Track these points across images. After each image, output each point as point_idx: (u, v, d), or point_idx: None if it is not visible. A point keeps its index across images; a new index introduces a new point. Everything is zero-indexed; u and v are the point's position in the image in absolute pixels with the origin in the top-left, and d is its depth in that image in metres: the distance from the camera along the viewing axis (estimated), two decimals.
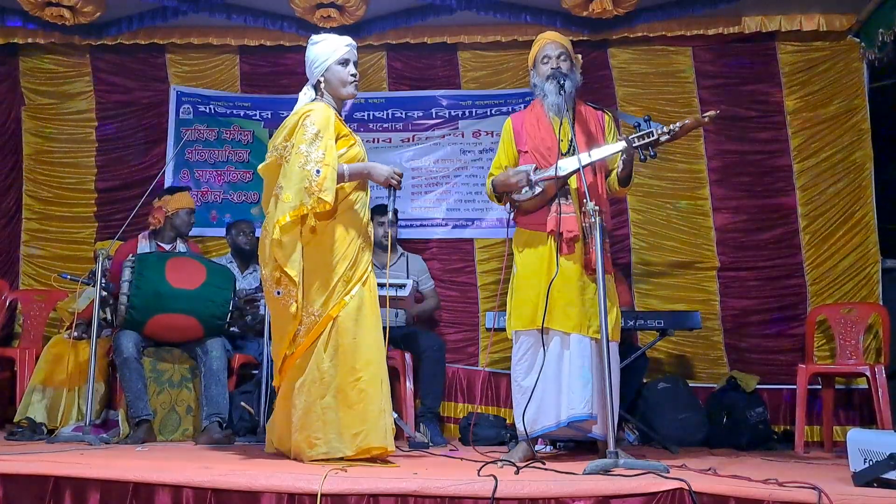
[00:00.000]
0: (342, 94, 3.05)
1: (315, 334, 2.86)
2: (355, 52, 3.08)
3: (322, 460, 2.76)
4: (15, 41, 5.16)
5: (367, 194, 3.08)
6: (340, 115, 3.08)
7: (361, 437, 2.80)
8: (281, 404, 2.99)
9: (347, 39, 3.08)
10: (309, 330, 2.87)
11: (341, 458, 2.76)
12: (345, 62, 3.03)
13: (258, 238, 4.73)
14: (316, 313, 2.87)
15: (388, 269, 4.05)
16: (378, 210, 4.36)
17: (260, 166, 3.04)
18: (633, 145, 2.94)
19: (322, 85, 3.03)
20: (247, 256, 4.61)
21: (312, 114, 2.90)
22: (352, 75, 3.03)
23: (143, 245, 4.26)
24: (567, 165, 3.01)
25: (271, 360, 3.88)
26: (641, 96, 5.13)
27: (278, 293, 2.87)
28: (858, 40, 4.89)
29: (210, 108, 5.35)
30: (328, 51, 3.02)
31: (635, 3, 4.61)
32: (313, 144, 2.84)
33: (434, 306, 4.67)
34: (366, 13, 4.81)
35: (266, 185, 3.03)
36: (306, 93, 3.08)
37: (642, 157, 2.95)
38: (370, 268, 3.02)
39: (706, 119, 2.96)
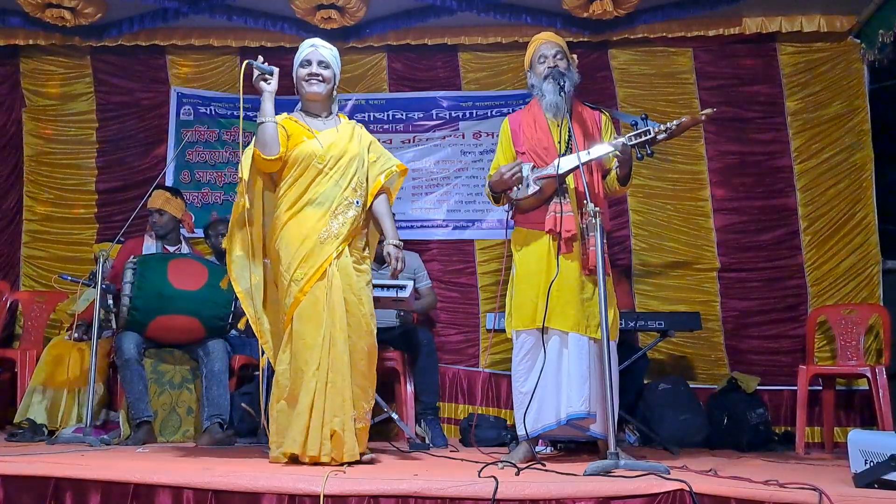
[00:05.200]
0: (304, 94, 3.11)
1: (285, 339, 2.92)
2: (319, 51, 3.09)
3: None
4: (16, 42, 5.17)
5: (336, 187, 2.97)
6: (314, 115, 3.12)
7: (283, 439, 2.80)
8: None
9: (313, 40, 3.13)
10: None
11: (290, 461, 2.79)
12: (306, 63, 3.08)
13: None
14: (282, 319, 2.92)
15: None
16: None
17: None
18: (630, 144, 2.94)
19: (296, 90, 3.13)
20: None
21: None
22: (308, 74, 3.06)
23: (149, 245, 4.26)
24: (565, 164, 3.01)
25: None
26: (642, 97, 5.13)
27: None
28: (859, 41, 4.90)
29: (211, 110, 5.36)
30: (296, 57, 3.11)
31: (635, 4, 4.62)
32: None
33: (431, 304, 4.66)
34: (366, 14, 4.82)
35: None
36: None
37: (639, 155, 2.95)
38: (332, 261, 2.88)
39: (703, 117, 2.97)
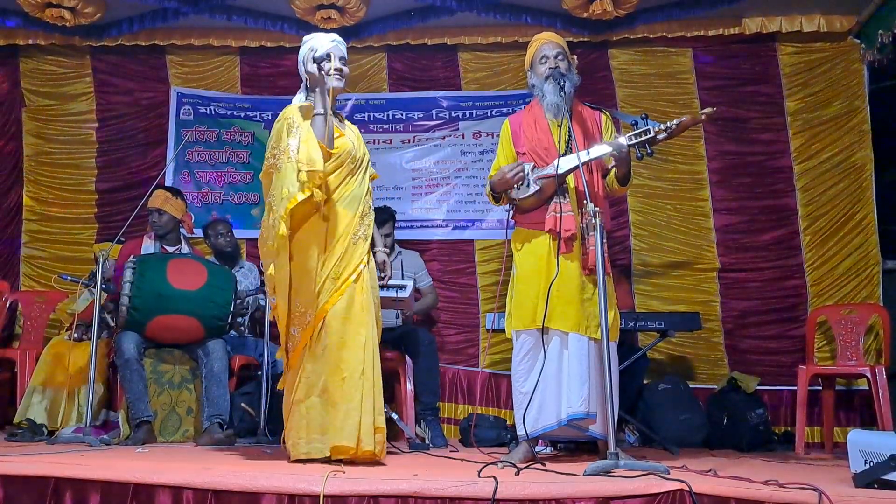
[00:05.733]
0: (325, 90, 3.00)
1: (307, 334, 2.85)
2: (341, 47, 3.05)
3: (304, 460, 2.76)
4: (16, 42, 5.18)
5: (361, 187, 3.01)
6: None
7: (331, 434, 2.76)
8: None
9: (333, 36, 3.06)
10: (303, 330, 2.87)
11: (326, 459, 2.76)
12: (327, 57, 2.99)
13: (237, 238, 4.71)
14: (308, 314, 2.86)
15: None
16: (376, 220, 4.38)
17: (261, 175, 3.04)
18: (629, 143, 2.94)
19: (308, 85, 3.04)
20: (227, 257, 4.59)
21: (287, 114, 2.94)
22: (333, 69, 2.97)
23: (148, 245, 4.26)
24: (565, 164, 3.02)
25: (271, 361, 3.90)
26: (642, 97, 5.14)
27: (273, 300, 2.88)
28: (858, 41, 4.90)
29: (210, 110, 5.36)
30: (306, 50, 3.03)
31: (635, 4, 4.62)
32: (293, 137, 2.86)
33: (432, 303, 4.66)
34: (366, 14, 4.82)
35: (264, 195, 3.03)
36: (298, 95, 3.08)
37: (639, 155, 2.95)
38: (364, 264, 2.95)
39: (703, 116, 2.97)
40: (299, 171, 2.78)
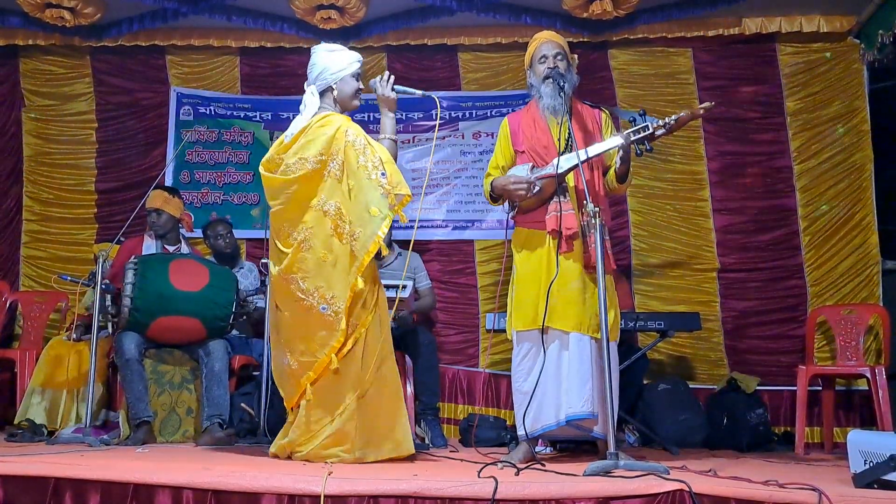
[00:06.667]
0: (350, 106, 3.10)
1: (349, 346, 2.90)
2: (362, 68, 3.17)
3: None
4: (15, 42, 5.17)
5: None
6: None
7: (392, 445, 2.90)
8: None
9: (357, 54, 3.15)
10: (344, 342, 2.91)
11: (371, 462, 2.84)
12: (357, 76, 3.10)
13: (237, 239, 4.68)
14: (350, 325, 2.92)
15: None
16: None
17: (288, 177, 2.94)
18: (629, 140, 2.94)
19: (333, 93, 3.07)
20: (227, 258, 4.58)
21: (348, 126, 2.96)
22: (359, 89, 3.11)
23: (149, 244, 4.26)
24: (565, 163, 3.01)
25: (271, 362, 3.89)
26: (642, 97, 5.12)
27: (324, 308, 2.88)
28: (858, 42, 4.90)
29: (210, 110, 5.36)
30: (345, 62, 3.08)
31: (635, 5, 4.62)
32: (366, 154, 2.91)
33: (430, 304, 4.66)
34: (366, 15, 4.82)
35: (292, 197, 2.95)
36: (312, 100, 3.06)
37: (638, 151, 2.94)
38: (378, 280, 3.09)
39: (701, 111, 2.96)
40: (389, 192, 2.86)
